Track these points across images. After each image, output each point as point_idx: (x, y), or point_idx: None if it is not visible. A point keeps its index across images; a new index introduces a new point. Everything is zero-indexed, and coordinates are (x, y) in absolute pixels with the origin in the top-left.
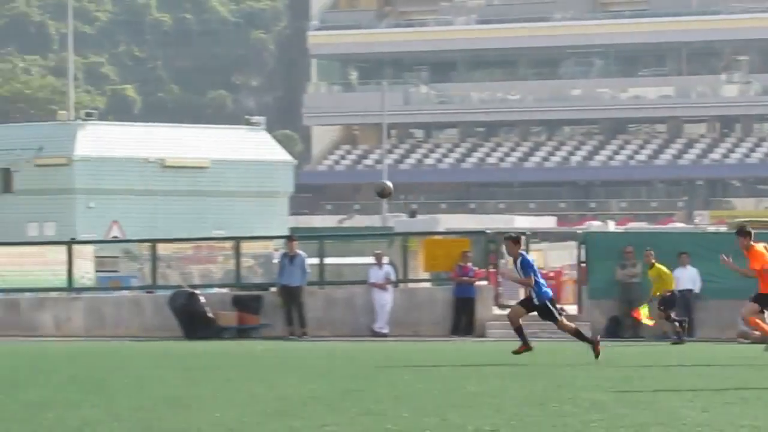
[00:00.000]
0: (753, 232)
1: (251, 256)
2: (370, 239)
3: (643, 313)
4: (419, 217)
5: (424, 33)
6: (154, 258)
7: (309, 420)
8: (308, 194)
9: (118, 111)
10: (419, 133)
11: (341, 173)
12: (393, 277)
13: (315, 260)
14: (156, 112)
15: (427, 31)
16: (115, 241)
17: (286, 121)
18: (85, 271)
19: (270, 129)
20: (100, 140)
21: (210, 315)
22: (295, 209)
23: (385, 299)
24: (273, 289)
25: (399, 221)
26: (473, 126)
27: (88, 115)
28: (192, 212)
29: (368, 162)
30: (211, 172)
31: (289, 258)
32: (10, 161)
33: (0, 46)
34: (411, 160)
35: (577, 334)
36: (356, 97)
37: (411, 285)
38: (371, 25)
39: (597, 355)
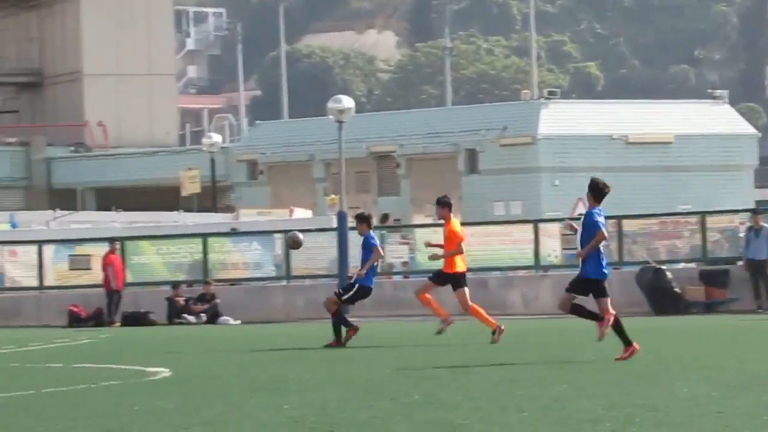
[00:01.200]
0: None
1: (717, 231)
2: None
3: None
4: None
5: None
6: (621, 234)
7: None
8: None
9: (581, 89)
10: None
11: None
12: None
13: None
14: (618, 88)
15: None
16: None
17: (749, 93)
18: (552, 248)
19: (733, 102)
20: (563, 118)
21: (677, 290)
22: (761, 182)
23: None
24: (739, 263)
25: None
26: None
27: (551, 93)
28: (656, 188)
29: None
30: (674, 147)
31: (755, 231)
32: (476, 142)
33: (464, 28)
34: None
35: (339, 321)
36: None
37: None
38: None
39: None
